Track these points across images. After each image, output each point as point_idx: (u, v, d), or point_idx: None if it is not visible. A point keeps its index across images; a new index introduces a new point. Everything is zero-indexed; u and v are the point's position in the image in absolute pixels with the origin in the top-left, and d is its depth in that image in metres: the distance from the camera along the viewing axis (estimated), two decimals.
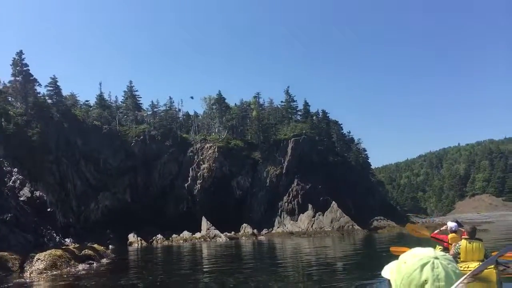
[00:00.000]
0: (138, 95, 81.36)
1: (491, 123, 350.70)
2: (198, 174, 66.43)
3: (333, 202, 60.34)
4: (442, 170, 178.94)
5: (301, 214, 62.35)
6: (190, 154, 68.70)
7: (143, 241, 49.87)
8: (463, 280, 1.25)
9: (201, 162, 67.36)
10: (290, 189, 66.39)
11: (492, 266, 8.11)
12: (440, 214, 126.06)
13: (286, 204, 65.25)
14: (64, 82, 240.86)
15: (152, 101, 79.08)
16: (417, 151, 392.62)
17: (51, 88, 66.35)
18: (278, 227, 61.42)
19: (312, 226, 58.17)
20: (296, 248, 29.72)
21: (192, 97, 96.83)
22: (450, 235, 10.46)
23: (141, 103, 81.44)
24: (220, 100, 79.74)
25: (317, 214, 60.22)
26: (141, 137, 67.72)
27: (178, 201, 64.57)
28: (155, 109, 78.27)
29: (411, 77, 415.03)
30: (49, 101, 65.35)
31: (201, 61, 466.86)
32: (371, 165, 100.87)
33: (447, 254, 1.39)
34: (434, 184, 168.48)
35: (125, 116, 76.13)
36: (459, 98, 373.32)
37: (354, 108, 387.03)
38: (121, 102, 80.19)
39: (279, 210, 65.12)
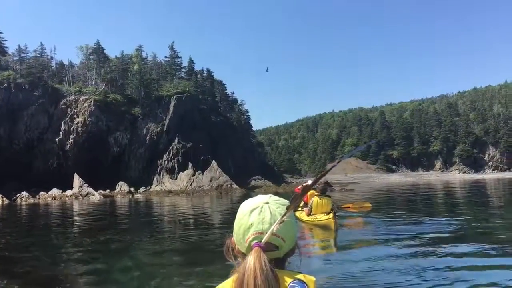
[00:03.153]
0: (3, 38, 73.00)
1: (361, 92, 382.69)
2: (71, 128, 61.80)
3: (213, 161, 60.56)
4: (317, 134, 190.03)
5: (180, 173, 61.69)
6: (63, 106, 63.45)
7: (5, 199, 45.42)
8: (278, 222, 1.33)
9: (75, 116, 62.65)
10: (171, 147, 65.23)
11: (332, 217, 10.03)
12: (313, 175, 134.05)
13: (166, 162, 64.10)
14: None
15: (19, 46, 70.84)
16: (296, 115, 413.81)
17: None
18: (156, 186, 60.19)
19: (191, 185, 57.88)
20: (173, 206, 29.21)
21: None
22: (309, 192, 11.53)
23: (7, 47, 73.17)
24: (98, 50, 74.31)
25: (197, 173, 60.04)
26: (5, 85, 60.60)
27: (47, 156, 59.61)
28: (22, 55, 70.38)
29: (293, 46, 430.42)
30: None
31: (75, 5, 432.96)
32: (252, 127, 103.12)
33: (281, 199, 1.44)
34: (309, 147, 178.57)
35: None
36: (333, 68, 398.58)
37: (238, 69, 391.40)
38: None
39: (159, 169, 63.78)
